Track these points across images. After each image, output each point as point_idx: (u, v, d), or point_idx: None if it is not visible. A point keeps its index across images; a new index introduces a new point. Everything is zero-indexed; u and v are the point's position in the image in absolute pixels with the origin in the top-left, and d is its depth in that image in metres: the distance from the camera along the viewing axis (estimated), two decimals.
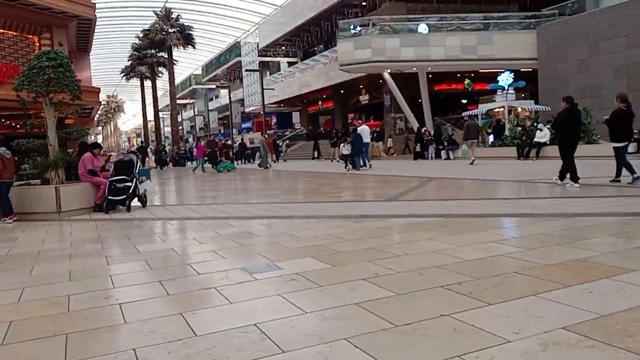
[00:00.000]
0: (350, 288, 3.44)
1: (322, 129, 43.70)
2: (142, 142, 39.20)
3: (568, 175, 9.14)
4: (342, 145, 19.79)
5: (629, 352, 2.21)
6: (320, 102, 44.95)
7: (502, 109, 24.59)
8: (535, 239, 4.73)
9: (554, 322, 2.60)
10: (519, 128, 20.75)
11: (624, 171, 8.93)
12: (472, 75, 33.12)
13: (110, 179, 8.98)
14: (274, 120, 51.70)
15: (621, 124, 9.05)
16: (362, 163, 17.87)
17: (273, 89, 43.27)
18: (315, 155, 30.78)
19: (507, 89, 24.47)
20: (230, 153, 27.41)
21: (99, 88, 29.40)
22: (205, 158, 24.76)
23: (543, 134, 18.70)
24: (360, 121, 23.64)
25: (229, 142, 36.84)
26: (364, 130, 18.55)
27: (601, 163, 12.25)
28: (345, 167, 18.36)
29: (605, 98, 21.14)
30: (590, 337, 2.39)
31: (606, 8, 22.50)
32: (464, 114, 28.68)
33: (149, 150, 33.99)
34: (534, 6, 29.87)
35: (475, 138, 17.77)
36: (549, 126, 17.97)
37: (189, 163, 38.05)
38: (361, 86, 37.41)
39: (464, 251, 4.31)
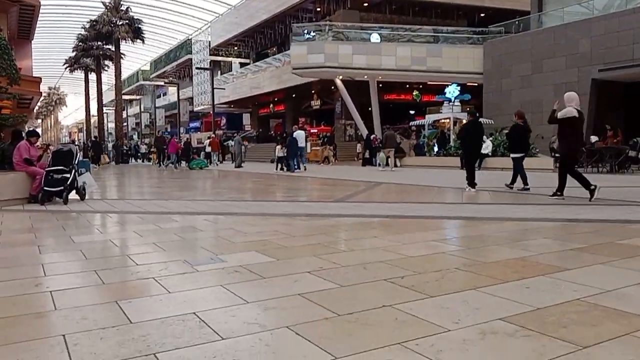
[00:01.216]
0: (294, 280, 3.40)
1: (272, 132, 43.49)
2: (95, 137, 37.83)
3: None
4: (277, 147, 20.81)
5: (563, 341, 2.28)
6: (271, 105, 44.78)
7: (447, 120, 25.28)
8: (475, 239, 4.85)
9: (492, 313, 2.65)
10: None
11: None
12: (421, 86, 33.98)
13: (47, 169, 8.56)
14: (224, 120, 51.02)
15: (518, 137, 10.16)
16: (297, 166, 18.88)
17: (224, 89, 42.73)
18: None
19: (454, 101, 25.19)
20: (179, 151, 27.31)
21: (40, 78, 28.12)
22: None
23: (486, 146, 19.32)
24: (296, 126, 24.12)
25: (176, 139, 36.03)
26: (299, 135, 19.62)
27: (540, 175, 12.77)
28: (276, 169, 19.65)
29: (545, 114, 22.10)
30: (526, 327, 2.45)
31: (548, 28, 23.59)
32: (411, 123, 29.37)
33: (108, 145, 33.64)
34: (481, 23, 30.98)
35: (392, 147, 19.10)
36: (488, 139, 18.94)
37: (132, 160, 37.02)
38: (313, 91, 37.54)
39: (407, 248, 4.36)
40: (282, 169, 19.47)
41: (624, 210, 6.88)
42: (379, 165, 19.91)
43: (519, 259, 3.92)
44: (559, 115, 7.83)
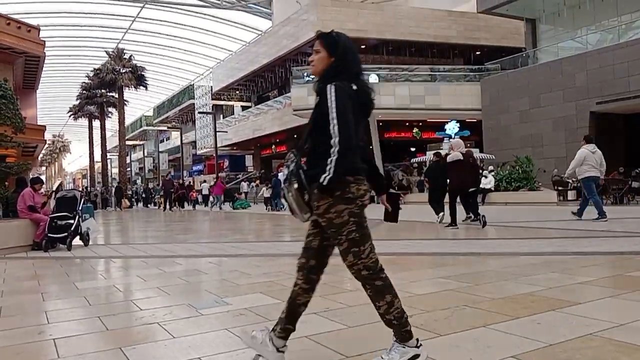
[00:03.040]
0: (300, 322, 3.33)
1: (275, 172, 43.68)
2: (118, 182, 38.32)
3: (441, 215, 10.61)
4: (264, 189, 22.24)
5: None
6: (273, 146, 45.11)
7: None
8: (483, 275, 4.80)
9: (504, 351, 2.60)
10: None
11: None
12: (420, 124, 34.26)
13: (51, 216, 8.57)
14: (227, 162, 51.35)
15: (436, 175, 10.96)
16: (283, 205, 20.16)
17: (226, 132, 43.21)
18: None
19: (454, 138, 25.35)
20: (194, 194, 28.03)
21: (45, 126, 28.53)
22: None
23: (488, 181, 19.36)
24: (280, 167, 25.49)
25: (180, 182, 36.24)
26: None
27: (544, 209, 12.73)
28: (266, 209, 20.84)
29: (546, 148, 22.27)
30: None
31: (544, 63, 23.97)
32: (412, 160, 29.52)
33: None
34: (477, 60, 31.50)
35: None
36: (490, 174, 19.07)
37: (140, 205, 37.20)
38: None
39: (414, 286, 4.31)
40: (267, 208, 20.73)
41: (631, 241, 6.81)
42: None
43: (527, 294, 3.87)
44: (448, 159, 9.75)
